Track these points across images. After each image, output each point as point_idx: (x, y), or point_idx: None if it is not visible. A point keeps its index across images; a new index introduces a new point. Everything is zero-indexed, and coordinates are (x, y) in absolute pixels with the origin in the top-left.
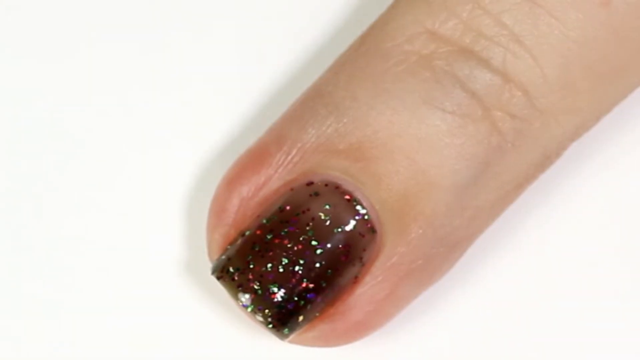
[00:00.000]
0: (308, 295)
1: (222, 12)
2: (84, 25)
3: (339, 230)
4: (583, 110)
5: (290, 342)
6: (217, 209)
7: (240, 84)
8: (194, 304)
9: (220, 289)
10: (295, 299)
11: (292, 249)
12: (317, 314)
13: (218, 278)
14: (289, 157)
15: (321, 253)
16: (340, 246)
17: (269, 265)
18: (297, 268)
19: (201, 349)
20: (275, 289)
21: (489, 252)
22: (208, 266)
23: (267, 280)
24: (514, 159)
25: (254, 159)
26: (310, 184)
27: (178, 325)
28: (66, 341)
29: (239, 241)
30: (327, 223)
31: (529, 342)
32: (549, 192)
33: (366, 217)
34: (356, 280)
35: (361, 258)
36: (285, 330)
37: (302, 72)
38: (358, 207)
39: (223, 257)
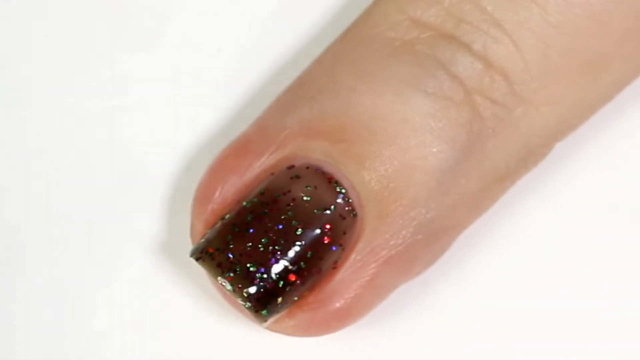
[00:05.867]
0: (287, 276)
1: (216, 9)
2: (77, 21)
3: (320, 211)
4: (565, 101)
5: (270, 329)
6: (200, 195)
7: (230, 77)
8: (178, 293)
9: (206, 281)
10: (274, 278)
11: (272, 229)
12: (296, 298)
13: (197, 259)
14: (270, 143)
15: (301, 234)
16: (320, 227)
17: (249, 244)
18: (276, 247)
19: (178, 332)
20: (254, 268)
21: (486, 252)
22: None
23: (246, 259)
24: (495, 147)
25: (236, 148)
26: (291, 167)
27: (156, 307)
28: (52, 327)
29: (219, 224)
30: (308, 204)
31: (526, 342)
32: (547, 193)
33: (347, 199)
34: (336, 265)
35: (341, 243)
36: (264, 312)
37: (296, 65)
38: (339, 189)
39: (202, 239)
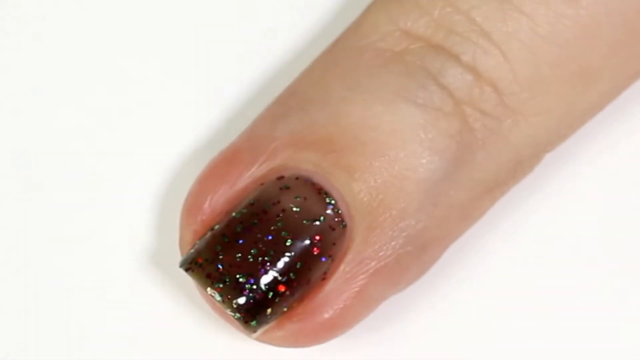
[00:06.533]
0: (277, 287)
1: (206, 15)
2: (76, 20)
3: (310, 222)
4: (554, 112)
5: (259, 340)
6: (188, 207)
7: (220, 86)
8: (166, 303)
9: (194, 291)
10: (264, 289)
11: (261, 239)
12: (285, 309)
13: (186, 270)
14: (260, 154)
15: (291, 245)
16: (310, 238)
17: (238, 255)
18: (266, 259)
19: (164, 341)
20: (244, 279)
21: (486, 254)
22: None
23: (235, 270)
24: (484, 157)
25: (225, 158)
26: (281, 178)
27: (143, 316)
28: (40, 335)
29: (208, 234)
30: (297, 215)
31: (527, 344)
32: (547, 193)
33: (337, 210)
34: (325, 276)
35: (330, 254)
36: (253, 323)
37: (287, 75)
38: (329, 200)
39: (191, 250)
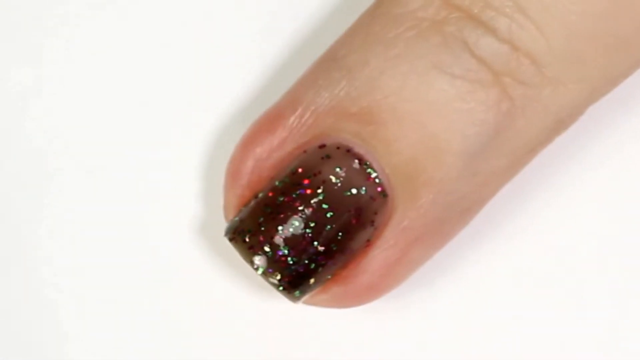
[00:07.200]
0: (319, 258)
1: (221, 15)
2: (87, 18)
3: (350, 193)
4: (592, 78)
5: (303, 303)
6: (233, 170)
7: (258, 50)
8: (209, 265)
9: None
10: (306, 261)
11: (303, 211)
12: (329, 277)
13: (230, 240)
14: (303, 120)
15: (332, 216)
16: (351, 209)
17: (280, 227)
18: (307, 231)
19: (213, 311)
20: (286, 252)
21: (489, 253)
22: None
23: (277, 242)
24: (524, 125)
25: (268, 121)
26: (322, 146)
27: (192, 285)
28: (81, 301)
29: (252, 203)
30: (338, 186)
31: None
32: (551, 193)
33: (377, 180)
34: (369, 243)
35: (373, 222)
36: (297, 293)
37: (318, 36)
38: (369, 171)
39: (236, 219)
